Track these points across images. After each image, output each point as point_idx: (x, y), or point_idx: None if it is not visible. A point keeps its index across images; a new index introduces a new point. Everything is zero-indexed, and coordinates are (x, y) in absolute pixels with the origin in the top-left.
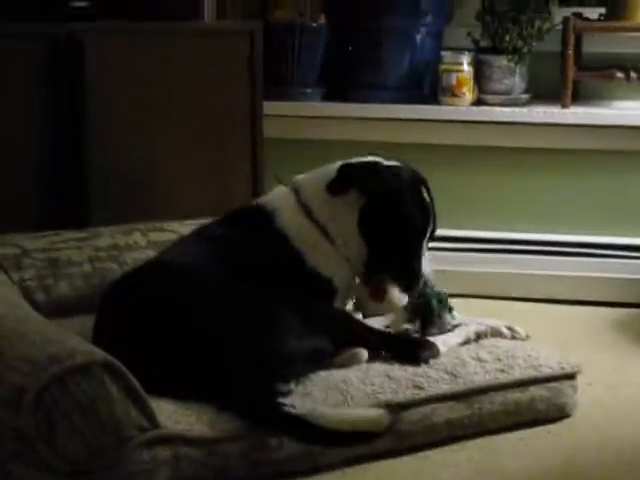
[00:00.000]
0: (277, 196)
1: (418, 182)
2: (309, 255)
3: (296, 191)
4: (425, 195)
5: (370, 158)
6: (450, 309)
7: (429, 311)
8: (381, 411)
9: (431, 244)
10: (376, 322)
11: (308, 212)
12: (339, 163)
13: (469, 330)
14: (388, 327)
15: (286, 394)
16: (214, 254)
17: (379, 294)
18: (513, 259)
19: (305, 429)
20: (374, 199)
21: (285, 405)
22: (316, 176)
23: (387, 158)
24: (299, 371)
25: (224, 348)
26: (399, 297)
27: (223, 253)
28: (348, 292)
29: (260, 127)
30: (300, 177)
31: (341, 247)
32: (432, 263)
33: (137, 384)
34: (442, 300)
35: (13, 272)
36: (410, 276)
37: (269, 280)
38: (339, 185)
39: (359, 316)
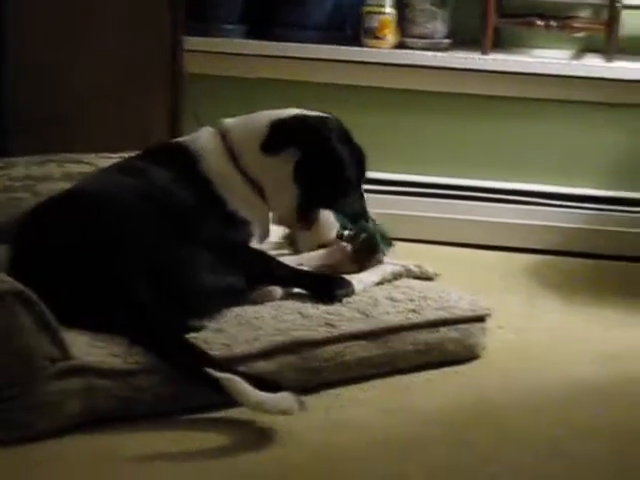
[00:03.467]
0: (203, 138)
1: (346, 130)
2: (230, 200)
3: (223, 136)
4: (355, 140)
5: (295, 111)
6: (390, 243)
7: (374, 245)
8: (293, 403)
9: None
10: (291, 260)
11: (235, 160)
12: (267, 117)
13: (385, 270)
14: (301, 265)
15: (198, 329)
16: (133, 188)
17: (309, 222)
18: (431, 203)
19: (200, 372)
20: (310, 151)
21: (190, 341)
22: (246, 126)
23: (306, 104)
24: (212, 307)
25: (136, 281)
26: (330, 222)
27: (142, 188)
28: (265, 237)
29: (180, 62)
30: (228, 122)
31: (270, 198)
32: None
33: (50, 315)
34: (384, 234)
35: None
36: (359, 212)
37: (187, 218)
38: (274, 144)
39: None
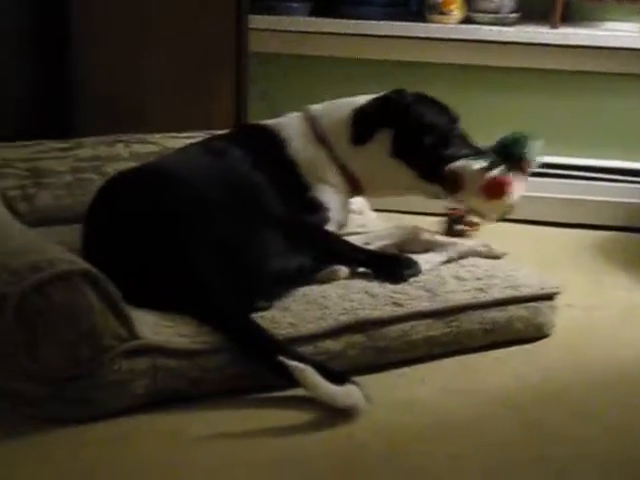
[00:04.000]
0: (291, 123)
1: (422, 94)
2: (314, 186)
3: (312, 122)
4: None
5: (366, 97)
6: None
7: (521, 145)
8: (360, 398)
9: None
10: (358, 239)
11: (327, 148)
12: (349, 106)
13: (452, 249)
14: (368, 244)
15: (265, 309)
16: (210, 167)
17: (451, 182)
18: None
19: (271, 358)
20: (401, 123)
21: (258, 324)
22: (332, 115)
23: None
24: (281, 289)
25: (204, 261)
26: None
27: (220, 168)
28: (343, 225)
29: (245, 41)
30: (315, 108)
31: (372, 182)
32: None
33: (118, 294)
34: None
35: None
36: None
37: (263, 200)
38: (363, 134)
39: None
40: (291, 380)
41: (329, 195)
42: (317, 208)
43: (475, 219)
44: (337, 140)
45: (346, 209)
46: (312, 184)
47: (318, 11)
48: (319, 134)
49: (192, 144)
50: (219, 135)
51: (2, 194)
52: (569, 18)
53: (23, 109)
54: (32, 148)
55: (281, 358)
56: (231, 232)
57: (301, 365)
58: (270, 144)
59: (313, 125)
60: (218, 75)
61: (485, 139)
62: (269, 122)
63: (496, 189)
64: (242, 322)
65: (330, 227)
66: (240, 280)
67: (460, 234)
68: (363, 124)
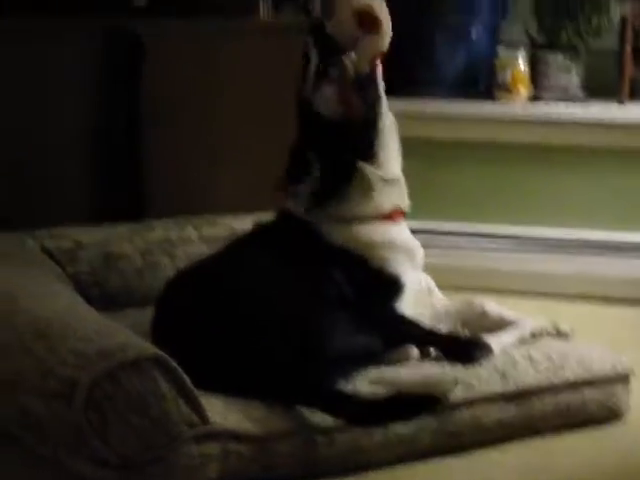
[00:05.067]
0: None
1: None
2: (372, 256)
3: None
4: None
5: None
6: None
7: None
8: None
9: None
10: (426, 319)
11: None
12: None
13: (525, 329)
14: (437, 324)
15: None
16: (269, 257)
17: None
18: (564, 257)
19: (354, 407)
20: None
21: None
22: None
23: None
24: (348, 370)
25: (274, 343)
26: None
27: (277, 256)
28: (419, 266)
29: None
30: None
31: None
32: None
33: (187, 379)
34: None
35: (68, 265)
36: None
37: (322, 282)
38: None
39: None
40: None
41: (391, 255)
42: (384, 280)
43: None
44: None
45: (416, 252)
46: (370, 256)
47: (387, 91)
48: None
49: (247, 233)
50: (266, 223)
51: (74, 278)
52: (637, 94)
53: (95, 190)
54: (104, 231)
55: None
56: (297, 315)
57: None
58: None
59: None
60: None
61: (554, 219)
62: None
63: None
64: (329, 391)
65: (404, 294)
66: (308, 361)
67: None
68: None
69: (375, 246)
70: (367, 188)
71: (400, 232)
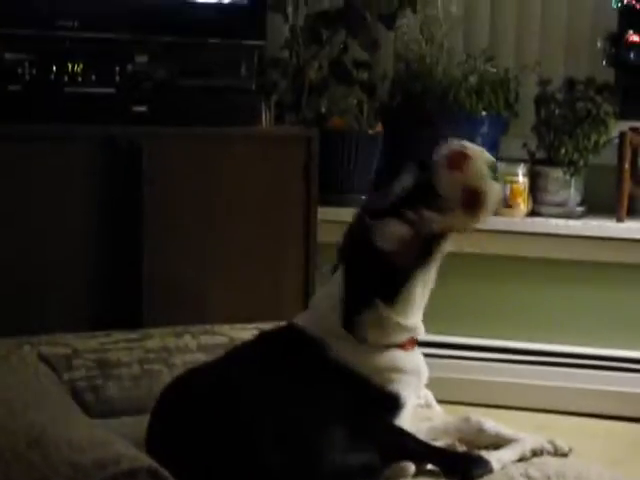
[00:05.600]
0: (318, 315)
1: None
2: (371, 375)
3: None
4: None
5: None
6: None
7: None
8: None
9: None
10: (423, 435)
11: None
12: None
13: (525, 446)
14: (435, 439)
15: None
16: (271, 366)
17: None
18: (561, 372)
19: None
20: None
21: None
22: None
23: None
24: None
25: (268, 460)
26: None
27: (281, 366)
28: (420, 387)
29: (314, 233)
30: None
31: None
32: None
33: None
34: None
35: (64, 372)
36: None
37: (321, 402)
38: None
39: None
40: None
41: (394, 377)
42: (384, 399)
43: None
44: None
45: (420, 368)
46: (369, 374)
47: None
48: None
49: (246, 345)
50: (260, 338)
51: (70, 385)
52: (635, 212)
53: (93, 300)
54: (101, 339)
55: None
56: (293, 430)
57: None
58: (309, 347)
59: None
60: (287, 263)
61: (555, 333)
62: (302, 320)
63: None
64: None
65: (402, 413)
66: (303, 477)
67: None
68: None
69: (380, 370)
70: (379, 326)
71: (409, 358)
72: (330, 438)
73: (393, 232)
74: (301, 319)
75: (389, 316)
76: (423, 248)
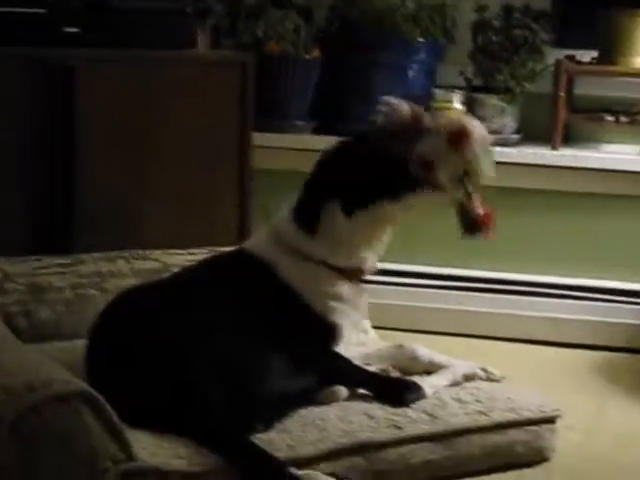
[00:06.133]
0: (262, 240)
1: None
2: (314, 303)
3: (277, 233)
4: None
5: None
6: None
7: None
8: None
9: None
10: (357, 358)
11: (299, 252)
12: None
13: (456, 372)
14: (368, 364)
15: (263, 431)
16: (207, 294)
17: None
18: (496, 299)
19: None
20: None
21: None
22: (282, 220)
23: None
24: (282, 411)
25: (203, 383)
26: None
27: (216, 294)
28: (359, 324)
29: (249, 159)
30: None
31: (355, 250)
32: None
33: (114, 415)
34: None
35: None
36: None
37: (263, 325)
38: (311, 221)
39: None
40: None
41: (335, 303)
42: (323, 328)
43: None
44: (300, 240)
45: (361, 305)
46: (312, 302)
47: (322, 129)
48: (287, 242)
49: (188, 269)
50: (206, 262)
51: (2, 309)
52: (569, 140)
53: (24, 223)
54: (33, 263)
55: (291, 469)
56: (232, 354)
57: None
58: (256, 270)
59: (279, 238)
60: (221, 190)
61: (483, 258)
62: (249, 244)
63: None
64: (241, 444)
65: (340, 344)
66: (240, 402)
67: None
68: (306, 213)
69: (322, 294)
70: (330, 235)
71: (352, 291)
72: (270, 363)
73: (400, 108)
74: (250, 242)
75: (341, 227)
76: (409, 174)
